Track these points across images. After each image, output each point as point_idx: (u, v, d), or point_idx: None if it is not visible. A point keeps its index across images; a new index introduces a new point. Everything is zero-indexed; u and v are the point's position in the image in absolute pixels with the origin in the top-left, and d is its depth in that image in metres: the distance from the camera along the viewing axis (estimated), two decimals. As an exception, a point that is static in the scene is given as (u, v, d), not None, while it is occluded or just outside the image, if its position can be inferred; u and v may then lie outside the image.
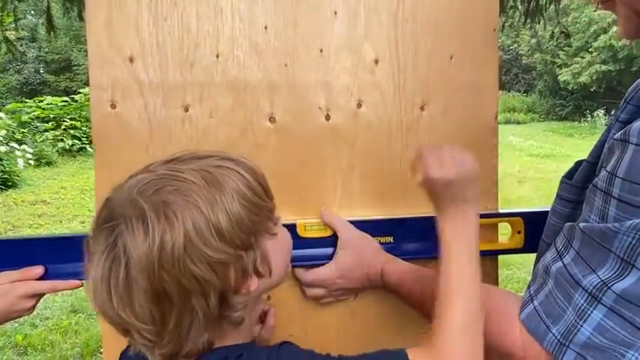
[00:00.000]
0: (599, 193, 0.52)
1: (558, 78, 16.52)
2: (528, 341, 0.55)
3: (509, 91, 18.97)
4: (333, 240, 0.78)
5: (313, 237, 0.79)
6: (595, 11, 13.04)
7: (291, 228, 0.76)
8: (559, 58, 16.54)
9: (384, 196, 0.83)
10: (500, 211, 0.85)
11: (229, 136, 0.80)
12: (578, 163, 0.63)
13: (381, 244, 0.79)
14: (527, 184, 7.45)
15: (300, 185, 0.81)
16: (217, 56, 0.79)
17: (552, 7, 4.27)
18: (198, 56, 0.78)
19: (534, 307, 0.55)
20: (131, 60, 0.77)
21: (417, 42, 0.81)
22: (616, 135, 0.52)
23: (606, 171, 0.51)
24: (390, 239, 0.80)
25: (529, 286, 0.58)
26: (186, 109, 0.79)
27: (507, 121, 15.51)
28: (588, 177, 0.59)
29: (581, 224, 0.53)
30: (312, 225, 0.79)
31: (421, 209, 0.79)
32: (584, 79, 15.40)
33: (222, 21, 0.78)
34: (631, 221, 0.48)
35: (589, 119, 14.71)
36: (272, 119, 0.80)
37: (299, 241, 0.76)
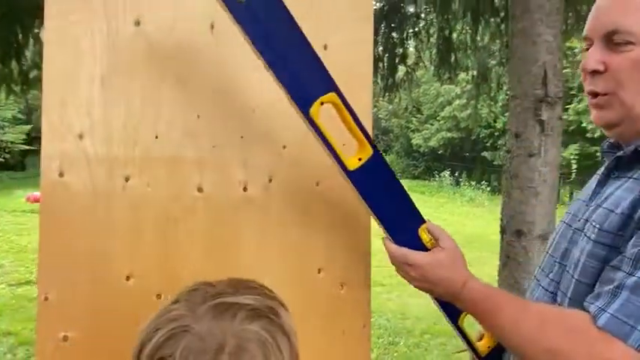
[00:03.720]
0: None
1: (412, 141, 18.43)
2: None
3: (370, 151, 20.57)
4: None
5: None
6: (441, 86, 14.95)
7: None
8: (412, 123, 18.52)
9: (288, 252, 1.04)
10: None
11: (164, 201, 0.96)
12: (605, 216, 0.81)
13: None
14: (387, 237, 8.14)
15: (222, 244, 0.99)
16: (156, 137, 0.96)
17: (406, 83, 4.99)
18: (140, 135, 0.95)
19: (611, 315, 0.71)
20: (80, 136, 0.91)
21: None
22: None
23: None
24: None
25: (589, 304, 0.75)
26: (127, 179, 0.94)
27: (369, 178, 16.73)
28: (622, 226, 0.77)
29: None
30: None
31: (314, 259, 1.02)
32: (433, 143, 17.38)
33: (163, 108, 0.96)
34: None
35: (437, 179, 16.51)
36: (200, 189, 0.99)
37: None
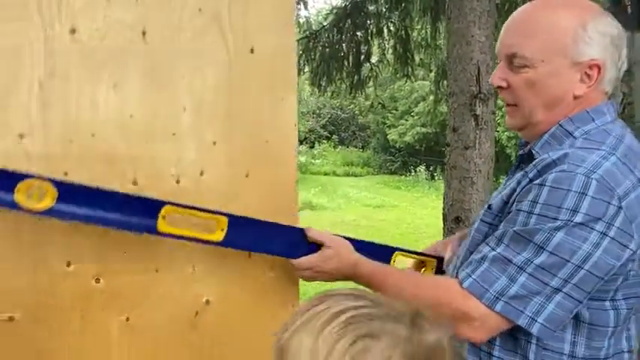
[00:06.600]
0: (522, 213, 0.88)
1: (388, 137, 18.61)
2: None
3: (347, 147, 20.75)
4: None
5: None
6: (414, 82, 15.14)
7: None
8: (388, 119, 18.71)
9: (219, 238, 1.14)
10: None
11: (100, 195, 1.05)
12: (496, 200, 0.99)
13: None
14: (361, 231, 8.30)
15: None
16: (92, 135, 1.05)
17: (371, 80, 5.12)
18: (77, 135, 1.04)
19: (474, 279, 0.90)
20: (21, 136, 1.00)
21: (243, 131, 1.17)
22: (534, 182, 0.88)
23: (528, 200, 0.88)
24: None
25: (461, 271, 0.93)
26: (66, 174, 1.03)
27: (346, 174, 16.93)
28: (501, 209, 0.96)
29: (515, 228, 0.89)
30: None
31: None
32: (408, 138, 17.58)
33: (98, 110, 1.05)
34: (549, 224, 0.85)
35: (413, 173, 16.72)
36: (135, 183, 1.08)
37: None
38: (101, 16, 1.05)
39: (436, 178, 15.82)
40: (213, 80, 1.14)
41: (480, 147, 2.33)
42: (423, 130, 17.06)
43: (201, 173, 1.14)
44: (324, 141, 19.64)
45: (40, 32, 1.02)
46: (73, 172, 1.04)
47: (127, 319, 1.07)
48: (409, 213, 10.39)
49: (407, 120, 17.72)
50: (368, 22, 4.72)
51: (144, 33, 1.09)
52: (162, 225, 1.01)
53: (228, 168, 1.16)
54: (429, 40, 4.32)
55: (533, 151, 0.97)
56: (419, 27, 4.41)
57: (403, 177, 17.01)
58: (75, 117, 1.04)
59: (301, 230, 1.12)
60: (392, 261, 1.22)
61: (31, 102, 1.01)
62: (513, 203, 0.92)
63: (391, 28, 4.54)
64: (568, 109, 0.95)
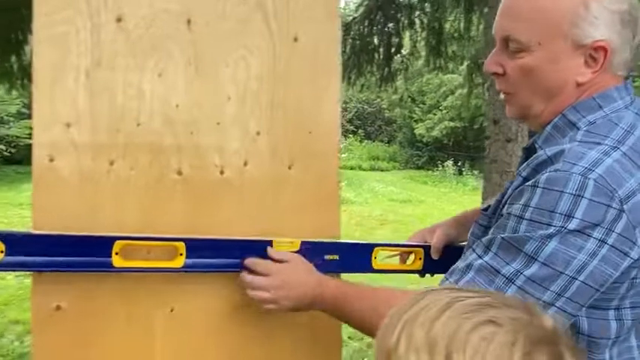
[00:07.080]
0: (512, 218, 0.80)
1: (415, 131, 18.42)
2: None
3: (373, 141, 20.62)
4: None
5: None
6: (444, 75, 14.92)
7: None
8: (415, 113, 18.52)
9: (262, 230, 1.12)
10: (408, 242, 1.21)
11: (146, 184, 1.05)
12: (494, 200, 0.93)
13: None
14: (388, 226, 8.25)
15: (200, 222, 1.08)
16: (138, 125, 1.04)
17: (402, 73, 5.05)
18: (122, 124, 1.03)
19: None
20: (68, 125, 1.00)
21: (287, 121, 1.14)
22: (527, 183, 0.79)
23: (520, 204, 0.79)
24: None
25: (444, 280, 0.85)
26: (112, 163, 1.03)
27: (372, 169, 16.83)
28: (495, 210, 0.89)
29: (504, 235, 0.80)
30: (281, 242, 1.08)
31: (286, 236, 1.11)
32: (435, 133, 17.38)
33: (143, 99, 1.05)
34: (541, 232, 0.76)
35: (440, 168, 16.52)
36: (179, 172, 1.07)
37: None
38: (147, 5, 1.04)
39: (464, 173, 15.60)
40: (257, 69, 1.12)
41: (522, 139, 2.25)
42: (452, 124, 16.82)
43: (245, 164, 1.12)
44: (350, 135, 19.53)
45: (87, 21, 1.01)
46: (119, 162, 1.03)
47: (172, 310, 1.07)
48: (436, 208, 10.27)
49: (435, 114, 17.49)
50: (399, 14, 4.65)
51: (189, 21, 1.07)
52: (117, 261, 0.98)
53: (271, 159, 1.14)
54: (462, 31, 4.23)
55: (536, 145, 0.87)
56: (451, 18, 4.32)
57: (430, 172, 16.82)
58: (121, 106, 1.03)
59: (265, 245, 1.06)
60: (373, 257, 1.15)
61: (77, 91, 1.00)
62: (505, 205, 0.85)
63: (423, 20, 4.46)
64: (572, 97, 0.85)
